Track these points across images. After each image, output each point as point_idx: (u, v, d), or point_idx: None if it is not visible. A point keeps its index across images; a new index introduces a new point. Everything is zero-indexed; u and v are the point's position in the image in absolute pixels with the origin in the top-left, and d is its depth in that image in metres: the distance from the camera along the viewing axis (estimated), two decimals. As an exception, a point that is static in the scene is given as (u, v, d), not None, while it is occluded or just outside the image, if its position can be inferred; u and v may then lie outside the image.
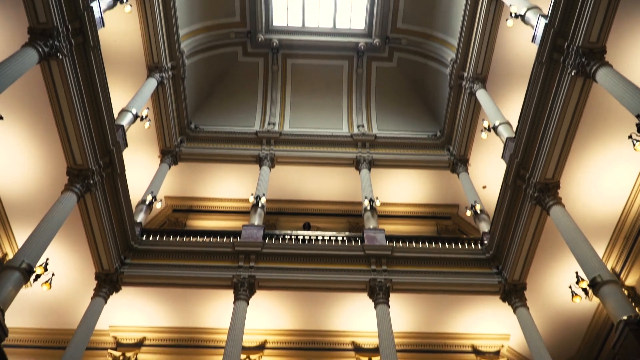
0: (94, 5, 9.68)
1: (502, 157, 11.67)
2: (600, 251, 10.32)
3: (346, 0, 16.38)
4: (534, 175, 10.29)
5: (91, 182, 10.04)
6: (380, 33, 16.39)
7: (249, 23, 16.25)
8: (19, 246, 9.58)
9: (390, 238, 12.38)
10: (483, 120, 13.22)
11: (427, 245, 12.31)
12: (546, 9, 9.75)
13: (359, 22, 16.61)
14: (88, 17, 9.40)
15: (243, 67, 17.04)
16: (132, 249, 11.69)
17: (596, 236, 10.30)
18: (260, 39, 16.37)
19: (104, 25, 10.20)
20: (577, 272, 9.54)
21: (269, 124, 16.21)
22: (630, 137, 8.00)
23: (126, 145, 11.51)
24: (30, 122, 9.34)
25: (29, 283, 9.27)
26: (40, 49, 8.36)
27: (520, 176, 10.74)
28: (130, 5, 11.19)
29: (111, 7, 10.71)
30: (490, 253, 11.90)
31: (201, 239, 12.19)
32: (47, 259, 8.85)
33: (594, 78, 8.58)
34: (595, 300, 8.90)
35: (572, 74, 8.95)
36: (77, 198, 9.72)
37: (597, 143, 9.55)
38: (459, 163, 15.18)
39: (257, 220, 12.74)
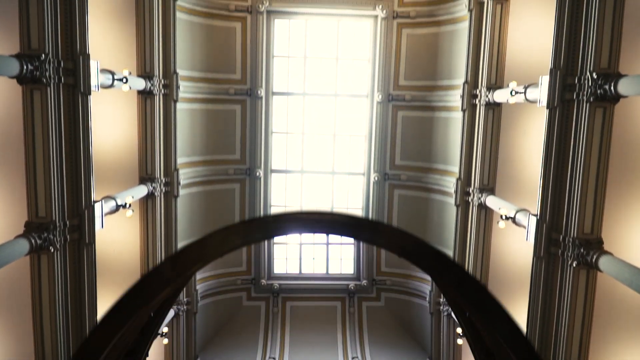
0: (97, 206, 9.96)
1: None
2: None
3: (336, 250, 19.13)
4: (556, 382, 9.22)
5: (57, 392, 8.89)
6: (367, 276, 18.35)
7: (253, 271, 18.11)
8: None
9: None
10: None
11: None
12: (534, 210, 10.03)
13: (348, 268, 18.95)
14: (88, 216, 9.56)
15: (247, 310, 18.12)
16: None
17: None
18: (262, 284, 18.16)
19: (102, 227, 10.31)
20: None
21: (269, 358, 16.41)
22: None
23: None
24: (3, 316, 8.70)
25: None
26: (32, 241, 8.28)
27: (541, 384, 9.59)
28: (133, 210, 11.50)
29: (114, 211, 10.98)
30: None
31: None
32: None
33: (597, 267, 8.36)
34: None
35: (574, 265, 8.76)
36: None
37: (617, 334, 8.79)
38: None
39: None
